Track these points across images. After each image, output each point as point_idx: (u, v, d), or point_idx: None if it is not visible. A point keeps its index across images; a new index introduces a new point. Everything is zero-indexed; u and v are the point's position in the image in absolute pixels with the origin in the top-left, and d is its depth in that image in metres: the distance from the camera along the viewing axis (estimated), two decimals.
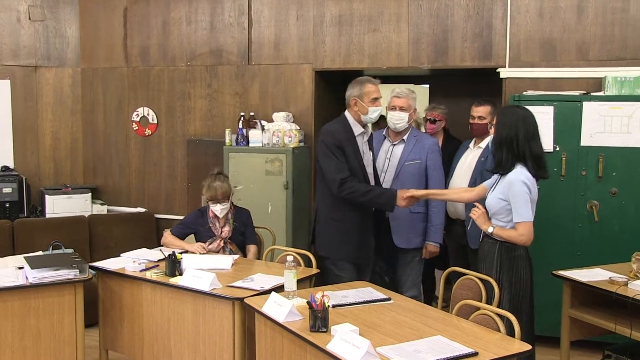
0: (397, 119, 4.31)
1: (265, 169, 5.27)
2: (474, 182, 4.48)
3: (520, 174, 3.31)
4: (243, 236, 4.43)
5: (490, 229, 3.41)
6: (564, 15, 4.86)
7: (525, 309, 3.37)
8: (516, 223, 3.30)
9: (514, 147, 3.33)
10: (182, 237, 4.42)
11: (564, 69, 4.84)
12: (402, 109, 4.30)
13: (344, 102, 4.11)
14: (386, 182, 4.32)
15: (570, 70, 4.82)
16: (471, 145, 4.69)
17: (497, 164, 3.42)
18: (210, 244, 4.30)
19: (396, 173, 4.30)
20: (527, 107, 3.54)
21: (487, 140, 4.60)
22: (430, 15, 5.21)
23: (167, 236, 4.41)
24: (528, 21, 4.94)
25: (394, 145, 4.39)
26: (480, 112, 4.61)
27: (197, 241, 4.37)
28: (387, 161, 4.38)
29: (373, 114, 3.98)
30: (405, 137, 4.38)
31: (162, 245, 4.38)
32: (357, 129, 4.01)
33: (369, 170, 4.06)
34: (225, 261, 3.96)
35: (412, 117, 4.39)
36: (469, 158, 4.64)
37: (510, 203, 3.32)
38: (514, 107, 3.55)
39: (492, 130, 3.52)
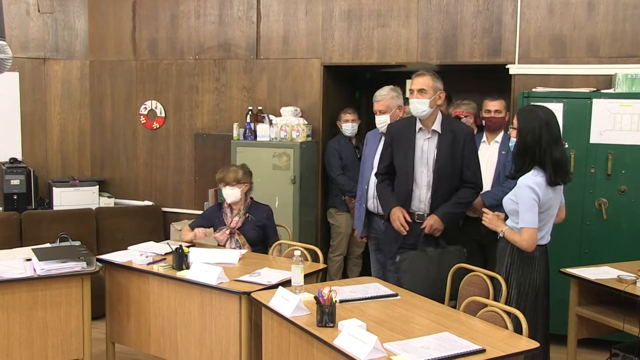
0: (379, 123, 4.41)
1: (273, 164, 5.27)
2: (497, 176, 4.49)
3: (529, 179, 3.23)
4: (259, 231, 4.35)
5: (501, 233, 3.39)
6: (575, 11, 4.83)
7: (540, 307, 3.35)
8: (521, 228, 3.26)
9: (537, 153, 3.24)
10: None
11: (574, 65, 4.81)
12: (381, 112, 4.39)
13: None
14: None
15: (580, 67, 4.79)
16: (485, 139, 4.65)
17: (517, 170, 3.33)
18: (217, 232, 4.30)
19: None
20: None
21: (501, 133, 4.60)
22: (439, 10, 5.18)
23: (183, 230, 4.41)
24: (538, 17, 4.91)
25: None
26: (497, 106, 4.58)
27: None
28: None
29: (410, 106, 3.97)
30: None
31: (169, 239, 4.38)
32: (418, 125, 3.96)
33: (423, 169, 3.89)
34: (233, 255, 3.95)
35: (398, 115, 4.37)
36: (488, 154, 4.59)
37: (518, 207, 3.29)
38: (536, 110, 3.34)
39: (513, 134, 3.39)
